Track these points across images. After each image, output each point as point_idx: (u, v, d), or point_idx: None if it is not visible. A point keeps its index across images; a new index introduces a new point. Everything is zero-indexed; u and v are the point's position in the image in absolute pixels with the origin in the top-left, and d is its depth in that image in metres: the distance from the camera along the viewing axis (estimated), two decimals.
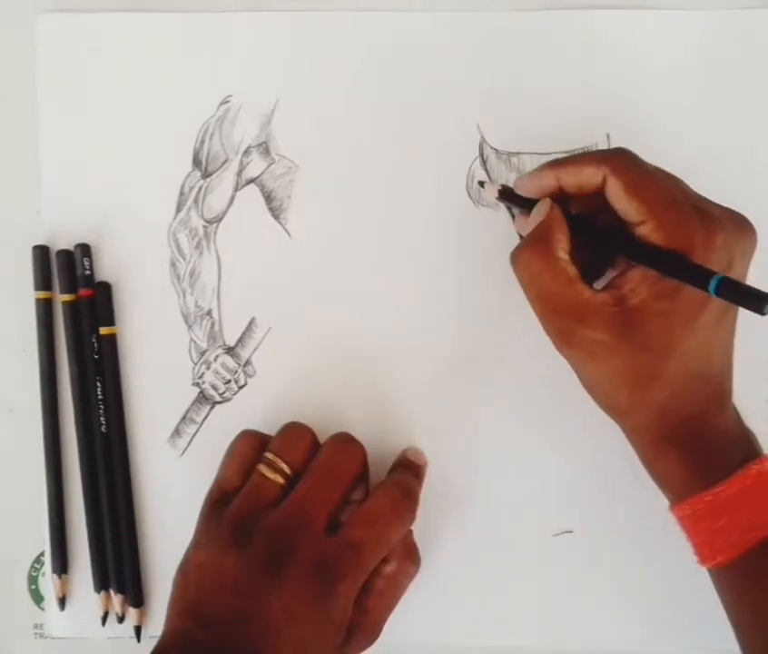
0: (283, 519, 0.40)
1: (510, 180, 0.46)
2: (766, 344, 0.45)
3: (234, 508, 0.41)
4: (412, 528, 0.43)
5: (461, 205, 0.46)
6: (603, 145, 0.46)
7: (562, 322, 0.39)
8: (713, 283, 0.35)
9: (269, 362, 0.46)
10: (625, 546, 0.46)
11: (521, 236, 0.45)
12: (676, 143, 0.46)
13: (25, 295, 0.46)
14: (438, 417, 0.46)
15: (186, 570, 0.41)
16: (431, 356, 0.46)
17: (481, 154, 0.46)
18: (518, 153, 0.46)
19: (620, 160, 0.38)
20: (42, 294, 0.46)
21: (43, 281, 0.46)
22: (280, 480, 0.41)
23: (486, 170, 0.46)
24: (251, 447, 0.43)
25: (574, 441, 0.46)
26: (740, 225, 0.39)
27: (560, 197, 0.40)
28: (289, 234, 0.46)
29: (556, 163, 0.40)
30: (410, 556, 0.43)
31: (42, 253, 0.46)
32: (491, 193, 0.44)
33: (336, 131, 0.46)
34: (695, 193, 0.39)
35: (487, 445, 0.46)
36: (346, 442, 0.43)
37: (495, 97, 0.46)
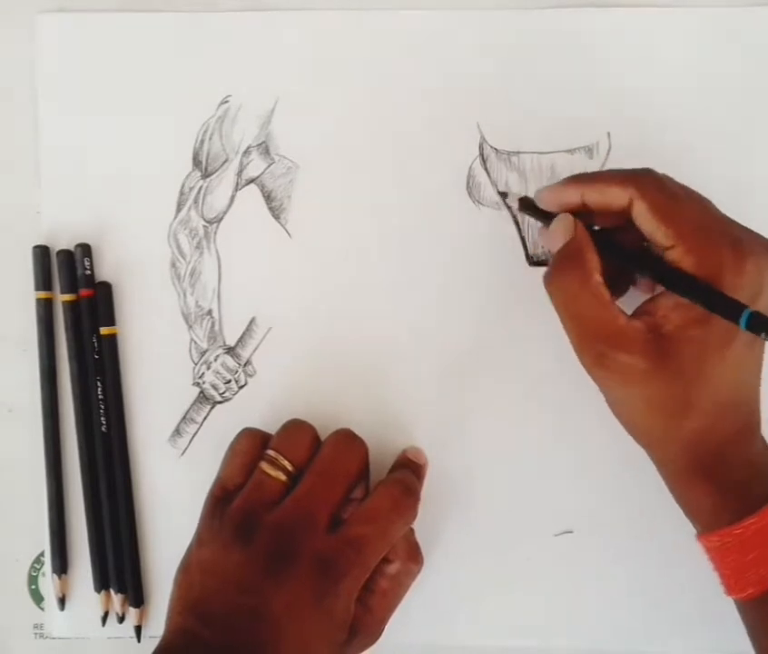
0: (286, 516, 0.40)
1: (510, 179, 0.46)
2: None
3: (237, 505, 0.41)
4: (413, 527, 0.44)
5: (461, 205, 0.46)
6: (604, 144, 0.46)
7: (598, 345, 0.38)
8: (743, 317, 0.34)
9: (269, 362, 0.46)
10: (625, 546, 0.46)
11: (523, 241, 0.45)
12: (676, 142, 0.46)
13: (25, 295, 0.46)
14: (439, 416, 0.46)
15: (188, 568, 0.41)
16: (432, 355, 0.46)
17: (481, 154, 0.46)
18: (518, 153, 0.46)
19: (647, 181, 0.38)
20: (42, 294, 0.46)
21: (43, 281, 0.46)
22: (283, 477, 0.41)
23: (486, 170, 0.46)
24: (253, 445, 0.43)
25: (574, 441, 0.46)
26: None
27: (582, 212, 0.40)
28: (289, 234, 0.46)
29: (581, 179, 0.40)
30: (413, 555, 0.43)
31: (42, 253, 0.46)
32: (513, 202, 0.43)
33: (336, 131, 0.46)
34: (724, 215, 0.39)
35: (487, 445, 0.46)
36: (348, 439, 0.43)
37: (495, 97, 0.46)
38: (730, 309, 0.35)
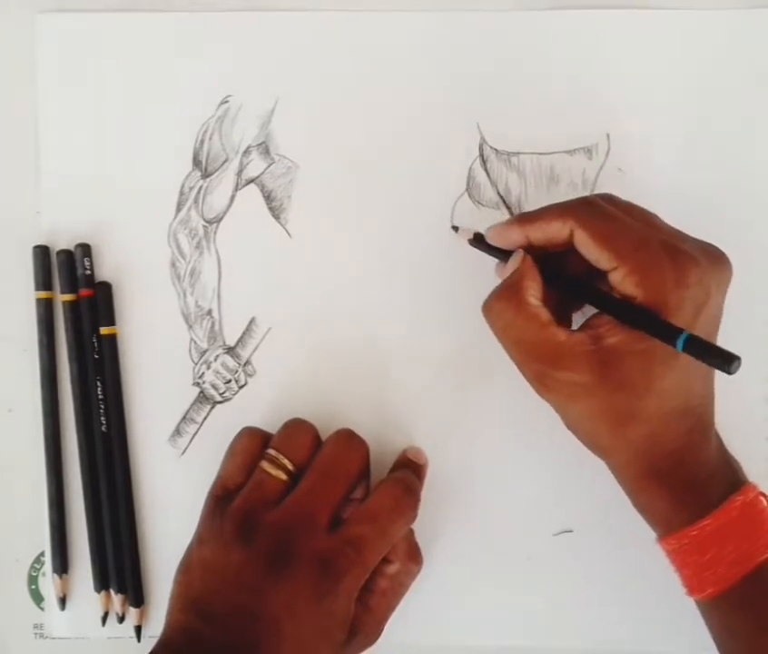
0: (286, 516, 0.40)
1: (510, 180, 0.46)
2: (765, 363, 0.45)
3: (237, 504, 0.41)
4: (413, 528, 0.44)
5: (462, 206, 0.46)
6: (603, 145, 0.46)
7: (538, 366, 0.39)
8: (680, 341, 0.35)
9: (269, 362, 0.46)
10: (624, 546, 0.46)
11: None
12: (676, 142, 0.46)
13: (26, 295, 0.46)
14: (439, 416, 0.46)
15: (189, 567, 0.41)
16: (432, 355, 0.46)
17: (481, 154, 0.46)
18: (518, 153, 0.46)
19: (584, 210, 0.39)
20: (42, 294, 0.46)
21: (43, 281, 0.46)
22: (283, 476, 0.42)
23: (486, 170, 0.46)
24: (254, 444, 0.43)
25: (574, 441, 0.45)
26: (714, 258, 0.38)
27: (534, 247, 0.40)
28: (289, 234, 0.46)
29: (523, 219, 0.40)
30: (413, 555, 0.43)
31: (42, 253, 0.46)
32: (464, 237, 0.44)
33: (336, 131, 0.46)
34: (669, 227, 0.39)
35: (487, 445, 0.46)
36: (349, 439, 0.43)
37: (495, 97, 0.46)
38: (668, 334, 0.36)
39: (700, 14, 0.45)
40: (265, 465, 0.42)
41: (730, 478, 0.40)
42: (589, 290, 0.39)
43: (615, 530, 0.46)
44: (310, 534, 0.40)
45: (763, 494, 0.39)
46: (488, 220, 0.45)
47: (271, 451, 0.42)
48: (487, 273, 0.45)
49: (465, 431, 0.46)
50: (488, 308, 0.40)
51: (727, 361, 0.34)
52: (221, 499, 0.42)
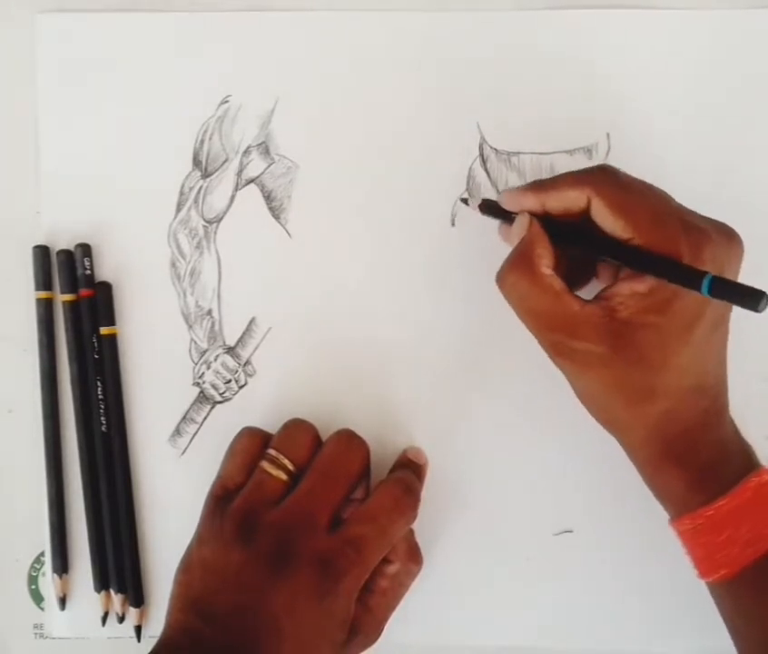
0: (286, 516, 0.40)
1: (510, 180, 0.46)
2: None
3: (238, 504, 0.41)
4: (413, 528, 0.44)
5: (462, 205, 0.46)
6: (603, 145, 0.46)
7: (554, 335, 0.39)
8: (705, 283, 0.35)
9: (269, 362, 0.46)
10: (625, 546, 0.46)
11: None
12: (676, 142, 0.46)
13: (25, 295, 0.46)
14: (439, 417, 0.46)
15: (189, 567, 0.41)
16: (432, 355, 0.46)
17: (481, 154, 0.46)
18: (518, 153, 0.46)
19: (602, 178, 0.38)
20: (42, 294, 0.46)
21: (43, 281, 0.46)
22: (284, 476, 0.42)
23: (486, 170, 0.46)
24: (254, 444, 0.43)
25: (574, 441, 0.46)
26: (727, 236, 0.38)
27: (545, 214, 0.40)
28: (289, 234, 0.46)
29: (539, 186, 0.40)
30: (413, 556, 0.43)
31: (42, 253, 0.46)
32: (474, 207, 0.43)
33: (336, 131, 0.46)
34: (681, 205, 0.39)
35: (486, 445, 0.46)
36: (349, 439, 0.43)
37: (495, 97, 0.46)
38: (691, 278, 0.35)
39: (700, 14, 0.45)
40: (265, 465, 0.42)
41: (745, 460, 0.40)
42: (606, 244, 0.38)
43: (615, 530, 0.46)
44: (311, 534, 0.40)
45: None
46: (488, 220, 0.45)
47: (272, 451, 0.42)
48: (487, 273, 0.45)
49: (465, 430, 0.46)
50: (502, 279, 0.40)
51: (755, 298, 0.33)
52: (221, 499, 0.42)
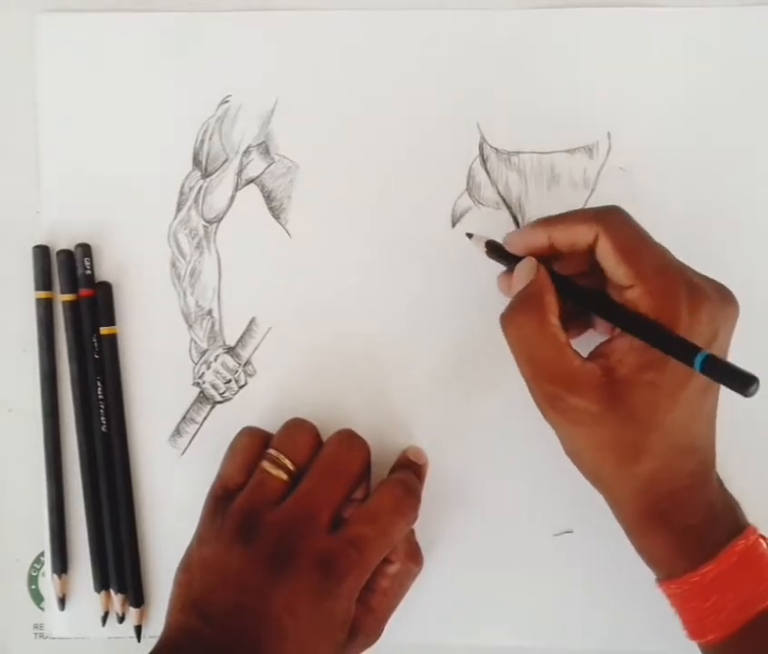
0: (287, 516, 0.40)
1: (510, 179, 0.46)
2: None
3: (238, 504, 0.41)
4: (413, 528, 0.44)
5: (462, 205, 0.46)
6: (603, 144, 0.45)
7: (551, 387, 0.38)
8: (698, 360, 0.35)
9: (269, 362, 0.46)
10: (625, 546, 0.46)
11: None
12: (676, 142, 0.46)
13: (25, 295, 0.46)
14: (439, 416, 0.46)
15: (189, 566, 0.41)
16: (432, 355, 0.46)
17: (481, 154, 0.46)
18: (518, 153, 0.46)
19: (613, 219, 0.38)
20: (42, 294, 0.46)
21: (43, 281, 0.46)
22: (284, 476, 0.42)
23: (486, 170, 0.46)
24: (254, 443, 0.43)
25: None
26: (724, 297, 0.38)
27: (547, 256, 0.40)
28: (289, 234, 0.46)
29: (547, 222, 0.40)
30: (413, 556, 0.43)
31: (42, 253, 0.46)
32: (479, 246, 0.43)
33: (336, 131, 0.46)
34: (681, 262, 0.39)
35: (487, 445, 0.46)
36: (350, 439, 0.43)
37: (495, 97, 0.46)
38: (685, 352, 0.35)
39: (701, 12, 0.45)
40: (266, 465, 0.42)
41: (730, 520, 0.39)
42: (605, 303, 0.39)
43: (615, 531, 0.45)
44: (311, 534, 0.40)
45: (763, 537, 0.39)
46: (488, 220, 0.45)
47: (272, 451, 0.42)
48: (487, 273, 0.45)
49: (465, 430, 0.46)
50: (508, 320, 0.39)
51: (745, 383, 0.34)
52: (222, 498, 0.42)
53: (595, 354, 0.39)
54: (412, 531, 0.44)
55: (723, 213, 0.45)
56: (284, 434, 0.43)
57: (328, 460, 0.42)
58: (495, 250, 0.42)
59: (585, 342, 0.41)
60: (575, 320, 0.42)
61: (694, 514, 0.39)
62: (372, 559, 0.41)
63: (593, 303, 0.39)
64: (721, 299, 0.38)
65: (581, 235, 0.38)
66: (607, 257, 0.38)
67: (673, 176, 0.45)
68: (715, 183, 0.45)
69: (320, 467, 0.42)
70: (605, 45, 0.46)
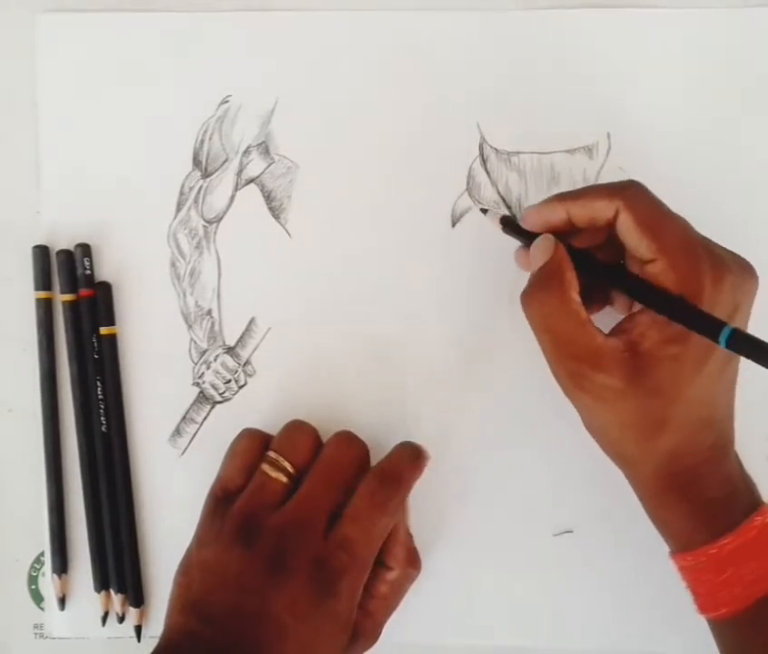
0: (287, 520, 0.40)
1: (510, 179, 0.46)
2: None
3: (239, 507, 0.41)
4: (411, 533, 0.44)
5: (462, 205, 0.46)
6: (603, 145, 0.46)
7: (574, 365, 0.38)
8: (723, 335, 0.34)
9: (269, 362, 0.46)
10: (625, 546, 0.46)
11: None
12: (676, 142, 0.46)
13: (25, 295, 0.46)
14: (439, 416, 0.46)
15: (188, 568, 0.41)
16: (432, 355, 0.46)
17: (481, 154, 0.46)
18: (518, 153, 0.46)
19: (633, 193, 0.38)
20: (42, 294, 0.46)
21: (43, 281, 0.46)
22: (284, 478, 0.41)
23: (486, 170, 0.46)
24: (254, 445, 0.43)
25: (574, 441, 0.45)
26: (745, 269, 0.38)
27: (566, 232, 0.40)
28: (289, 234, 0.46)
29: (565, 196, 0.39)
30: (412, 561, 0.43)
31: (42, 253, 0.46)
32: (494, 222, 0.43)
33: (336, 131, 0.46)
34: (702, 235, 0.39)
35: (487, 444, 0.46)
36: (349, 440, 0.43)
37: (495, 97, 0.46)
38: (710, 327, 0.35)
39: (700, 13, 0.45)
40: (265, 467, 0.42)
41: (749, 497, 0.39)
42: (631, 278, 0.38)
43: (615, 530, 0.46)
44: (308, 537, 0.40)
45: None
46: (488, 220, 0.45)
47: (271, 454, 0.42)
48: (487, 273, 0.46)
49: (465, 430, 0.46)
50: (528, 299, 0.39)
51: None
52: (222, 500, 0.42)
53: (617, 330, 0.38)
54: (410, 536, 0.44)
55: (723, 213, 0.45)
56: (284, 437, 0.43)
57: (326, 463, 0.42)
58: (510, 226, 0.42)
59: (602, 320, 0.40)
60: (593, 296, 0.41)
61: (714, 487, 0.39)
62: (363, 557, 0.41)
63: (614, 279, 0.39)
64: (742, 271, 0.38)
65: (601, 210, 0.38)
66: (629, 232, 0.37)
67: (672, 176, 0.45)
68: (715, 183, 0.45)
69: (319, 471, 0.42)
70: (604, 46, 0.46)
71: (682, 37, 0.45)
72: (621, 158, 0.45)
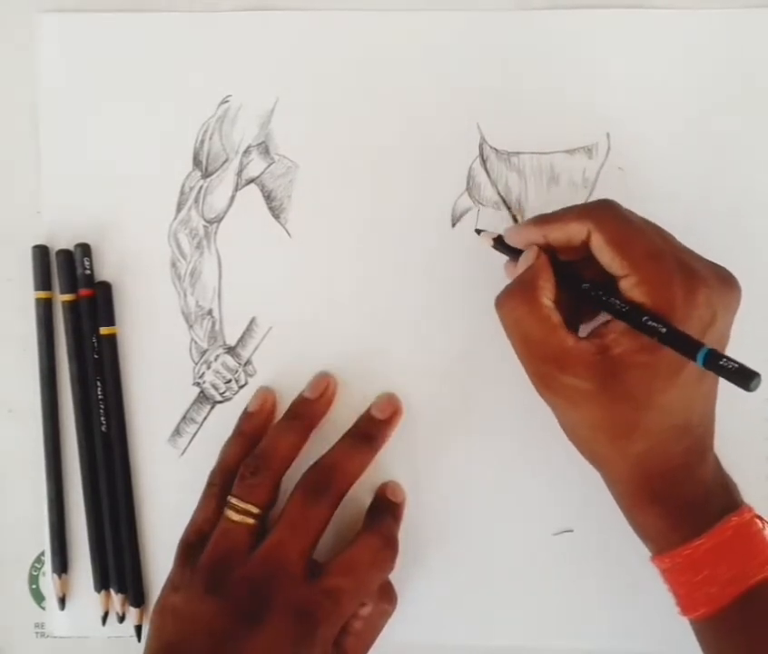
0: (258, 568, 0.40)
1: (510, 180, 0.46)
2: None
3: (206, 556, 0.41)
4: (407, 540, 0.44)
5: (462, 205, 0.46)
6: (603, 145, 0.46)
7: (544, 367, 0.39)
8: (700, 356, 0.35)
9: (269, 362, 0.46)
10: (625, 545, 0.46)
11: None
12: (676, 142, 0.46)
13: (25, 295, 0.46)
14: (439, 415, 0.46)
15: (162, 611, 0.41)
16: (432, 354, 0.46)
17: (481, 154, 0.46)
18: (518, 153, 0.46)
19: (602, 213, 0.38)
20: (42, 294, 0.46)
21: (43, 280, 0.46)
22: (249, 520, 0.42)
23: (486, 170, 0.46)
24: (226, 482, 0.43)
25: None
26: (723, 280, 0.38)
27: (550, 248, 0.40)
28: (289, 234, 0.46)
29: (541, 220, 0.40)
30: (387, 597, 0.44)
31: (42, 253, 0.46)
32: (486, 242, 0.43)
33: (336, 131, 0.46)
34: (680, 245, 0.39)
35: (487, 445, 0.46)
36: (315, 491, 0.42)
37: (495, 97, 0.46)
38: (687, 346, 0.35)
39: (700, 14, 0.45)
40: (229, 513, 0.42)
41: (725, 499, 0.39)
42: (603, 296, 0.39)
43: (615, 530, 0.45)
44: (285, 584, 0.40)
45: (759, 517, 0.39)
46: (488, 219, 0.45)
47: (232, 500, 0.42)
48: (487, 273, 0.46)
49: (465, 430, 0.46)
50: (501, 303, 0.40)
51: (747, 379, 0.34)
52: (193, 545, 0.42)
53: (592, 334, 0.39)
54: None
55: (723, 213, 0.45)
56: (241, 480, 0.43)
57: (295, 511, 0.42)
58: (501, 244, 0.43)
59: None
60: (583, 305, 0.41)
61: (688, 490, 0.39)
62: (348, 608, 0.41)
63: (591, 296, 0.39)
64: (720, 282, 0.38)
65: (575, 233, 0.39)
66: (601, 251, 0.38)
67: (672, 177, 0.45)
68: (715, 184, 0.45)
69: (288, 520, 0.41)
70: (604, 46, 0.45)
71: (681, 38, 0.45)
72: (621, 158, 0.45)
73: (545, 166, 0.46)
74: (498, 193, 0.46)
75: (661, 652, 0.46)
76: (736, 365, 0.34)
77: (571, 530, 0.46)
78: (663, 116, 0.46)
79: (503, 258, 0.43)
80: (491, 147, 0.46)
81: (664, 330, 0.36)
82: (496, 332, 0.45)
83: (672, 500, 0.39)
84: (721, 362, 0.34)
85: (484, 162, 0.46)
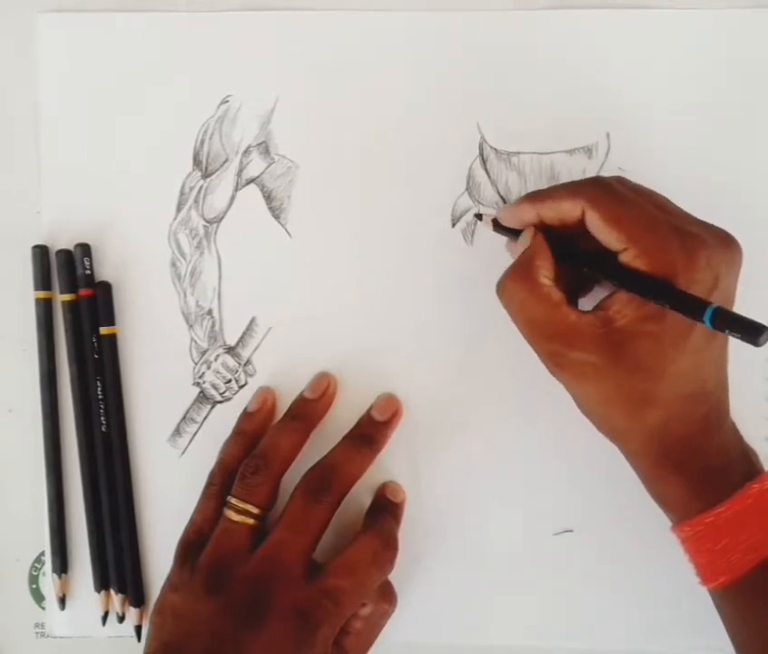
0: (258, 569, 0.40)
1: (510, 180, 0.46)
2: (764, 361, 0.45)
3: (206, 556, 0.41)
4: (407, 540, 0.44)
5: (462, 205, 0.46)
6: (603, 145, 0.46)
7: (551, 345, 0.39)
8: (707, 315, 0.35)
9: (269, 362, 0.46)
10: (625, 545, 0.46)
11: None
12: (676, 142, 0.46)
13: (25, 295, 0.46)
14: (439, 415, 0.46)
15: (161, 610, 0.41)
16: (432, 355, 0.46)
17: (481, 154, 0.46)
18: (518, 153, 0.46)
19: (596, 190, 0.38)
20: (42, 294, 0.46)
21: (43, 280, 0.46)
22: (249, 521, 0.42)
23: (486, 170, 0.46)
24: (225, 484, 0.43)
25: (574, 441, 0.46)
26: (723, 241, 0.38)
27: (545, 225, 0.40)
28: (289, 234, 0.46)
29: (535, 197, 0.40)
30: (387, 597, 0.44)
31: (42, 253, 0.46)
32: (487, 224, 0.43)
33: (336, 131, 0.46)
34: (678, 210, 0.39)
35: (487, 444, 0.46)
36: (317, 491, 0.42)
37: (495, 97, 0.46)
38: (694, 307, 0.35)
39: (700, 14, 0.45)
40: (229, 513, 0.42)
41: (746, 466, 0.39)
42: (604, 264, 0.39)
43: (615, 530, 0.46)
44: (285, 585, 0.40)
45: None
46: (483, 224, 0.45)
47: (232, 500, 0.42)
48: (487, 273, 0.45)
49: (465, 429, 0.46)
50: (501, 288, 0.40)
51: (755, 333, 0.33)
52: (193, 545, 0.42)
53: (596, 307, 0.39)
54: None
55: (722, 213, 0.45)
56: (241, 482, 0.43)
57: (295, 513, 0.42)
58: (500, 226, 0.43)
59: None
60: (581, 279, 0.42)
61: (708, 458, 0.39)
62: (348, 609, 0.41)
63: (593, 266, 0.39)
64: (720, 244, 0.38)
65: (568, 211, 0.39)
66: (597, 228, 0.38)
67: (672, 177, 0.45)
68: (715, 183, 0.45)
69: (287, 521, 0.42)
70: (604, 46, 0.45)
71: (682, 38, 0.45)
72: (620, 158, 0.45)
73: (545, 166, 0.46)
74: (498, 193, 0.46)
75: (661, 652, 0.46)
76: (744, 321, 0.34)
77: (571, 530, 0.46)
78: (663, 116, 0.46)
79: (503, 258, 0.43)
80: (491, 147, 0.46)
81: (670, 293, 0.36)
82: (496, 332, 0.45)
83: (692, 468, 0.39)
84: (728, 319, 0.34)
85: (484, 162, 0.46)
